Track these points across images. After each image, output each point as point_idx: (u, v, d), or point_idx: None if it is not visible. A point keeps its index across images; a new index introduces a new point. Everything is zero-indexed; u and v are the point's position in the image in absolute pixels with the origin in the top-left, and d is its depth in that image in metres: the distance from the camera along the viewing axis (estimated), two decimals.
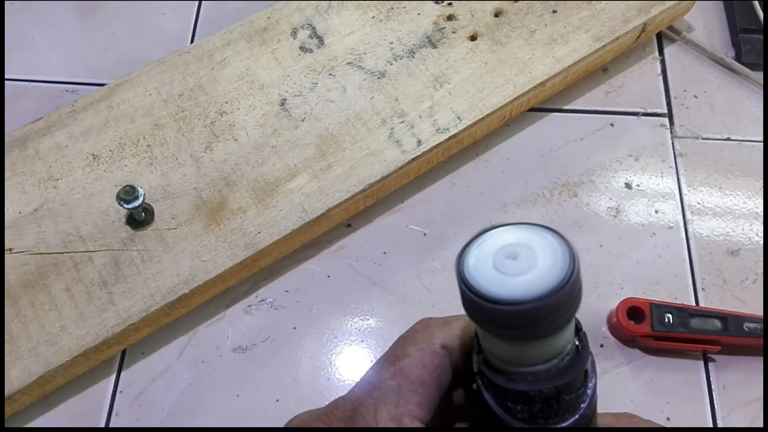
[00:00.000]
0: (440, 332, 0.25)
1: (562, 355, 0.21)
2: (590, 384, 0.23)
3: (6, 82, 0.53)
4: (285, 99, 0.47)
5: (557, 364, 0.21)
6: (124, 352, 0.43)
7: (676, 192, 0.49)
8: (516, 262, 0.20)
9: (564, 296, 0.19)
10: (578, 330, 0.22)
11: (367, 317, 0.44)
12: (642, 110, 0.52)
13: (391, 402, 0.23)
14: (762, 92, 0.52)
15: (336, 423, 0.23)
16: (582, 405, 0.22)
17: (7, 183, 0.44)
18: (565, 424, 0.22)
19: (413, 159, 0.45)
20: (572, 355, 0.22)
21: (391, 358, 0.25)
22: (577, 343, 0.22)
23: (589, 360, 0.23)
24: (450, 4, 0.50)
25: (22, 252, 0.41)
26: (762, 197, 0.48)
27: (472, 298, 0.20)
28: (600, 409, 0.43)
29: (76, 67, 0.54)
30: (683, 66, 0.54)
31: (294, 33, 0.49)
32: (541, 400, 0.21)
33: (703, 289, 0.45)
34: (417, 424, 0.23)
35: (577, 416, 0.22)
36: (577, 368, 0.21)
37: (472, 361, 0.24)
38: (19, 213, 0.43)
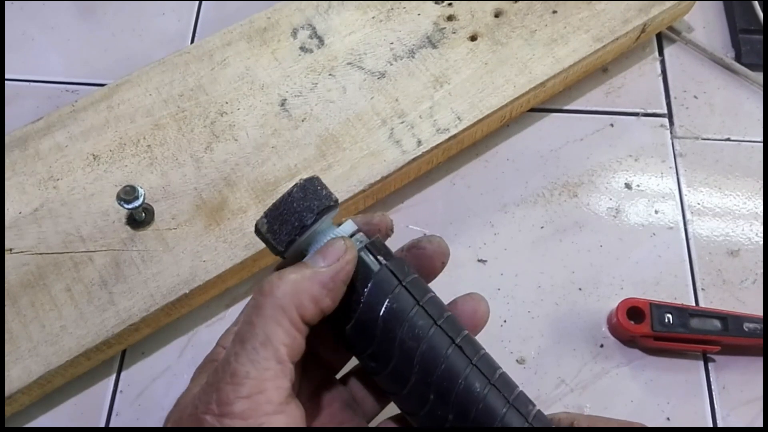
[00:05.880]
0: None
1: None
2: (366, 285, 0.29)
3: (6, 82, 0.53)
4: (285, 99, 0.47)
5: None
6: (124, 352, 0.43)
7: (676, 192, 0.49)
8: None
9: (257, 229, 0.28)
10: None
11: None
12: (642, 110, 0.52)
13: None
14: (762, 92, 0.52)
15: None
16: (361, 301, 0.28)
17: (7, 183, 0.44)
18: (351, 323, 0.28)
19: (413, 159, 0.45)
20: None
21: None
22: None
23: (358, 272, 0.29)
24: (450, 4, 0.50)
25: (22, 252, 0.41)
26: (762, 197, 0.48)
27: None
28: (600, 409, 0.43)
29: (76, 67, 0.54)
30: (683, 66, 0.54)
31: (294, 33, 0.49)
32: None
33: (703, 289, 0.45)
34: None
35: (354, 319, 0.28)
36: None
37: None
38: (19, 213, 0.43)
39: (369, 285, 0.28)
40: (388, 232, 0.32)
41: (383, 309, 0.28)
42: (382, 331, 0.28)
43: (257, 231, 0.29)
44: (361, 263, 0.29)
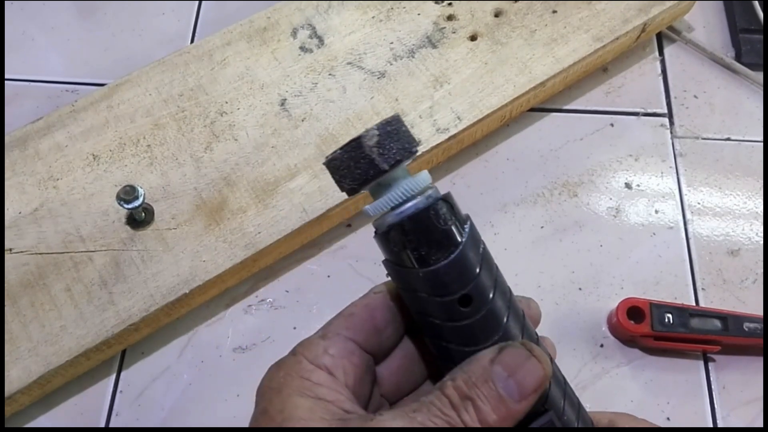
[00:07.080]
0: (377, 286, 0.29)
1: (422, 197, 0.25)
2: (466, 222, 0.26)
3: (6, 82, 0.53)
4: (285, 99, 0.47)
5: (419, 201, 0.25)
6: (124, 352, 0.43)
7: (676, 192, 0.49)
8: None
9: (360, 142, 0.24)
10: (444, 199, 0.26)
11: None
12: (642, 110, 0.52)
13: (323, 328, 0.28)
14: (762, 92, 0.52)
15: (288, 356, 0.27)
16: (462, 239, 0.25)
17: (7, 183, 0.44)
18: (453, 256, 0.25)
19: (413, 159, 0.45)
20: (431, 194, 0.26)
21: None
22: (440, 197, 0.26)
23: (454, 205, 0.26)
24: (450, 4, 0.50)
25: (22, 252, 0.41)
26: (762, 197, 0.48)
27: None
28: (600, 409, 0.43)
29: (76, 67, 0.54)
30: (683, 66, 0.54)
31: (294, 33, 0.49)
32: (416, 228, 0.25)
33: (703, 289, 0.45)
34: (339, 339, 0.27)
35: (461, 248, 0.25)
36: (433, 198, 0.25)
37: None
38: (19, 213, 0.43)
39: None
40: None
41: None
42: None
43: (356, 145, 0.25)
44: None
